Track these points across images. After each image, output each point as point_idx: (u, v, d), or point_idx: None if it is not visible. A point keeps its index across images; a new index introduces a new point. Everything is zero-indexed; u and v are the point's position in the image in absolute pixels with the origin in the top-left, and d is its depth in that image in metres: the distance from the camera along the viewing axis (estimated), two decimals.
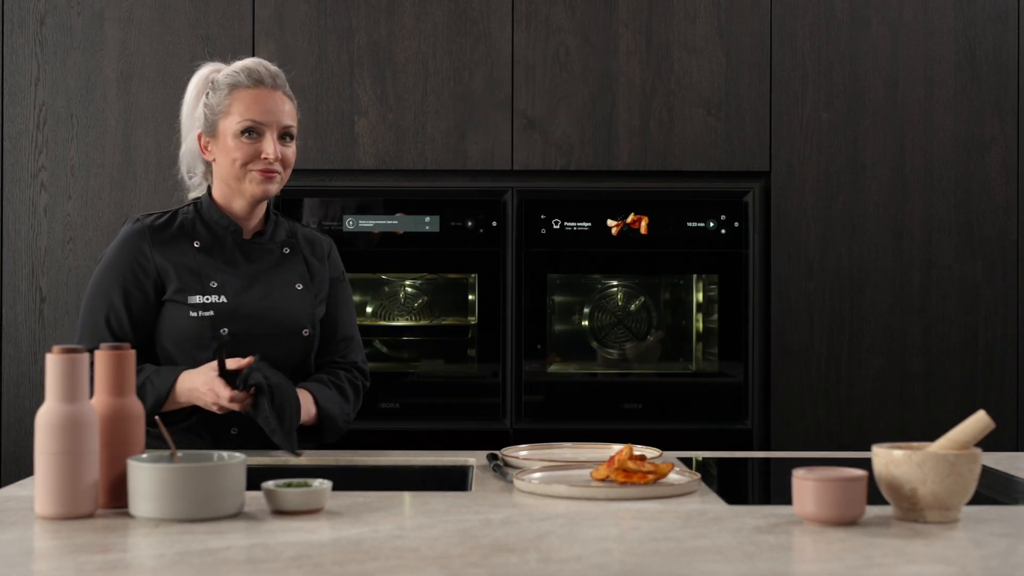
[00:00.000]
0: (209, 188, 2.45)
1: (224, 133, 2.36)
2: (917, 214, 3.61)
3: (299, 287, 2.45)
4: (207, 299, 2.33)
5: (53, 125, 3.55)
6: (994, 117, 3.61)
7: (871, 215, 3.60)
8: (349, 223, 3.56)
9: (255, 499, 1.81)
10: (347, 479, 2.14)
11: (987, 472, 2.13)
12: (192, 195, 2.50)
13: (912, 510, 1.68)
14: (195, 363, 2.29)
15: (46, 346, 3.50)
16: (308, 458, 2.29)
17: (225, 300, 2.34)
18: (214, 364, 2.17)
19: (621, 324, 3.79)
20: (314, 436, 2.40)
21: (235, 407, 2.18)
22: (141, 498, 1.68)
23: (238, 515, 1.71)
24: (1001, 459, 2.32)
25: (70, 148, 3.55)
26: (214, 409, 2.22)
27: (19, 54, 3.55)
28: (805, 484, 1.66)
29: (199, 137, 2.42)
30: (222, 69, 2.43)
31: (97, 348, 1.85)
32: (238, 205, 2.40)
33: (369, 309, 3.81)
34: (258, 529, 1.62)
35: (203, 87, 2.43)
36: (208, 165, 2.45)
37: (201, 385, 2.20)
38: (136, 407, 1.80)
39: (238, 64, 2.41)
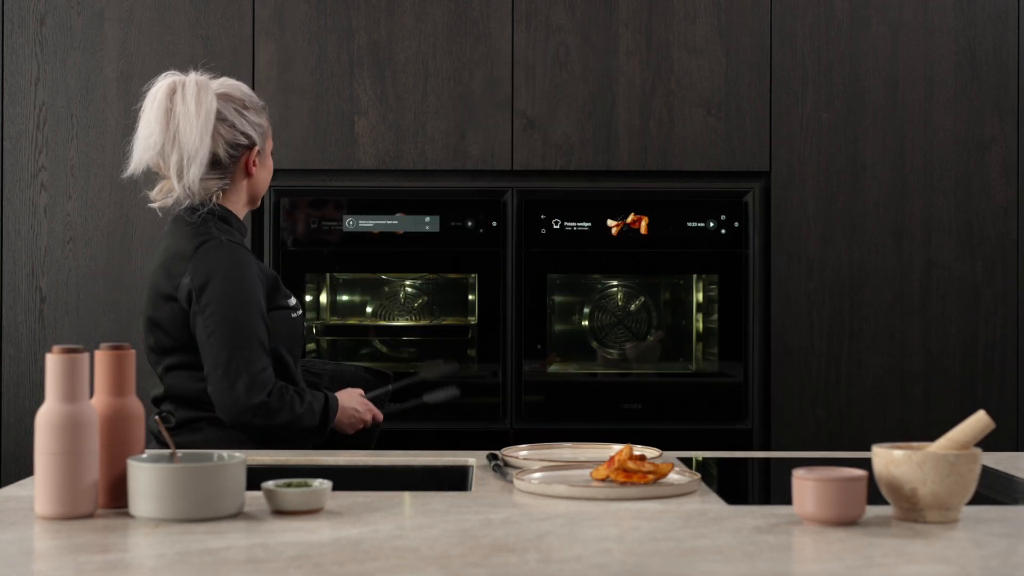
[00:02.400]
0: (218, 201, 2.49)
1: (267, 152, 2.56)
2: (917, 214, 3.61)
3: None
4: (293, 301, 2.54)
5: (53, 125, 3.55)
6: (994, 117, 3.61)
7: (871, 215, 3.60)
8: (349, 223, 3.56)
9: (255, 499, 1.81)
10: (347, 479, 2.14)
11: (987, 472, 2.13)
12: (157, 204, 2.50)
13: (912, 510, 1.68)
14: (296, 362, 2.52)
15: (46, 346, 3.50)
16: (308, 458, 2.29)
17: (296, 301, 2.56)
18: (357, 391, 2.60)
19: (621, 324, 3.79)
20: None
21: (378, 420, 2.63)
22: (141, 498, 1.68)
23: (238, 515, 1.71)
24: (1001, 459, 2.32)
25: (70, 148, 3.55)
26: (359, 427, 2.59)
27: (19, 54, 3.55)
28: (805, 484, 1.66)
29: (254, 152, 2.50)
30: (217, 82, 2.47)
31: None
32: (241, 216, 2.57)
33: (369, 309, 3.81)
34: (258, 529, 1.62)
35: (210, 101, 2.41)
36: (227, 179, 2.49)
37: (361, 407, 2.57)
38: (136, 407, 1.80)
39: (240, 83, 2.53)
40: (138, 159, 2.44)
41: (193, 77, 2.42)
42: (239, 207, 2.53)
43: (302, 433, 2.44)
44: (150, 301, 2.45)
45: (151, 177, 2.52)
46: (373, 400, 2.64)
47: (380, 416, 2.62)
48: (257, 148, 2.50)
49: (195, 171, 2.39)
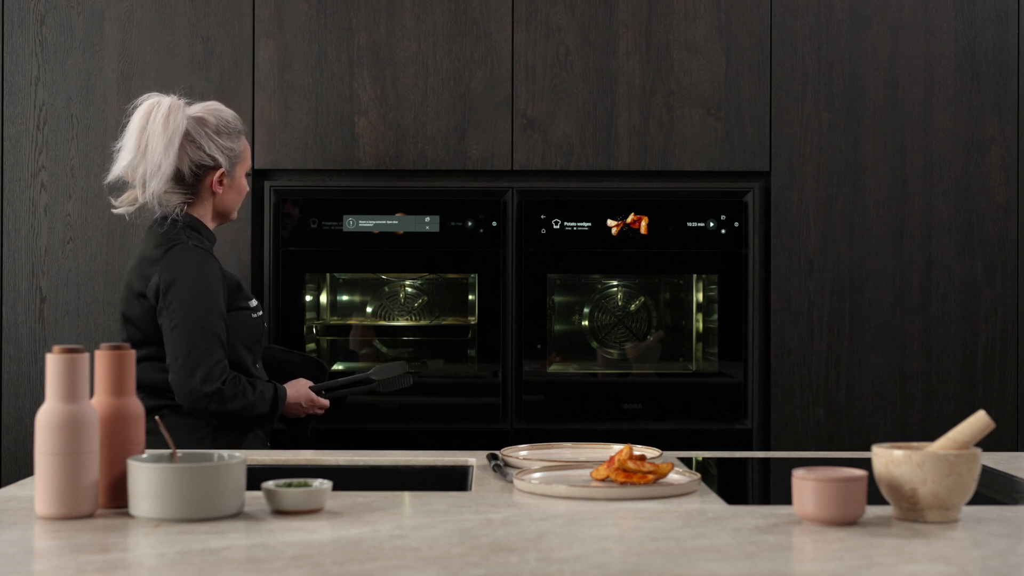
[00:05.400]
0: (184, 212, 2.73)
1: (238, 175, 2.79)
2: (917, 214, 3.61)
3: None
4: (254, 303, 2.78)
5: (53, 125, 3.55)
6: (994, 117, 3.61)
7: (871, 215, 3.60)
8: (349, 223, 3.56)
9: (255, 499, 1.81)
10: (347, 479, 2.14)
11: (987, 472, 2.13)
12: (121, 211, 2.76)
13: (912, 510, 1.68)
14: (255, 358, 2.75)
15: (46, 346, 3.50)
16: (308, 458, 2.29)
17: (257, 303, 2.81)
18: (306, 383, 2.83)
19: (621, 324, 3.79)
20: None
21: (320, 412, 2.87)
22: (141, 498, 1.68)
23: (238, 515, 1.71)
24: (1001, 459, 2.32)
25: (70, 148, 3.55)
26: (302, 416, 2.86)
27: (19, 54, 3.55)
28: (805, 484, 1.66)
29: (219, 174, 2.73)
30: (196, 106, 2.73)
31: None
32: (211, 228, 2.81)
33: (369, 309, 3.81)
34: (258, 529, 1.62)
35: (177, 122, 2.65)
36: (190, 195, 2.72)
37: (305, 401, 2.81)
38: (136, 407, 1.80)
39: (222, 109, 2.77)
40: (114, 169, 2.73)
41: (169, 100, 2.68)
42: (207, 220, 2.78)
43: (255, 419, 2.68)
44: (124, 299, 2.72)
45: (127, 185, 2.77)
46: (320, 389, 2.88)
47: (325, 406, 2.86)
48: (222, 170, 2.74)
49: (156, 184, 2.66)
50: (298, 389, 2.82)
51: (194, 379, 2.59)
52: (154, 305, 2.65)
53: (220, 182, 2.75)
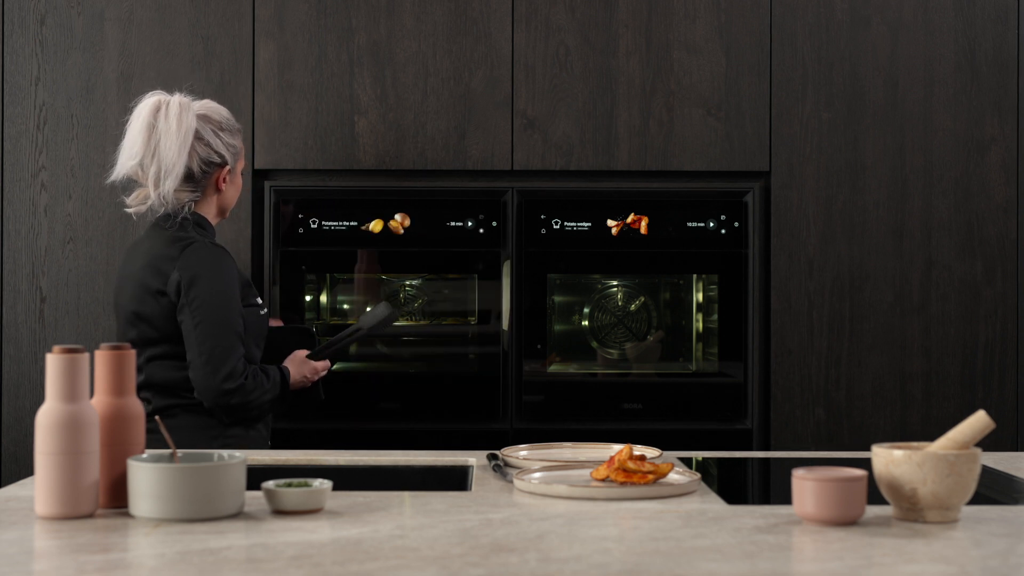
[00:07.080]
0: (192, 210, 2.74)
1: (238, 171, 2.83)
2: (917, 214, 3.61)
3: None
4: (261, 300, 2.81)
5: (53, 125, 3.55)
6: (994, 117, 3.61)
7: (871, 215, 3.60)
8: (349, 223, 3.56)
9: (255, 499, 1.81)
10: (347, 479, 2.14)
11: (987, 472, 2.13)
12: (133, 210, 2.77)
13: (912, 510, 1.68)
14: (260, 355, 2.77)
15: (46, 346, 3.50)
16: (308, 458, 2.29)
17: (262, 301, 2.85)
18: (302, 354, 2.88)
19: (621, 324, 3.79)
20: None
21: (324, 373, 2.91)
22: (141, 498, 1.68)
23: (238, 515, 1.71)
24: (1001, 459, 2.32)
25: (70, 148, 3.55)
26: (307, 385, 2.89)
27: (19, 54, 3.55)
28: (805, 484, 1.66)
29: (225, 171, 2.76)
30: (198, 104, 2.75)
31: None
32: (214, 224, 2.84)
33: (369, 309, 3.81)
34: (258, 529, 1.62)
35: (189, 120, 2.67)
36: (198, 192, 2.75)
37: (309, 372, 2.85)
38: (136, 407, 1.80)
39: (219, 106, 2.80)
40: (120, 167, 2.72)
41: (177, 98, 2.69)
42: (211, 216, 2.80)
43: (269, 404, 2.72)
44: (135, 297, 2.69)
45: (132, 184, 2.78)
46: (315, 355, 2.92)
47: (327, 366, 2.92)
48: (228, 167, 2.77)
49: (170, 183, 2.67)
50: (299, 366, 2.84)
51: (218, 376, 2.60)
52: (174, 302, 2.63)
53: (224, 179, 2.77)
